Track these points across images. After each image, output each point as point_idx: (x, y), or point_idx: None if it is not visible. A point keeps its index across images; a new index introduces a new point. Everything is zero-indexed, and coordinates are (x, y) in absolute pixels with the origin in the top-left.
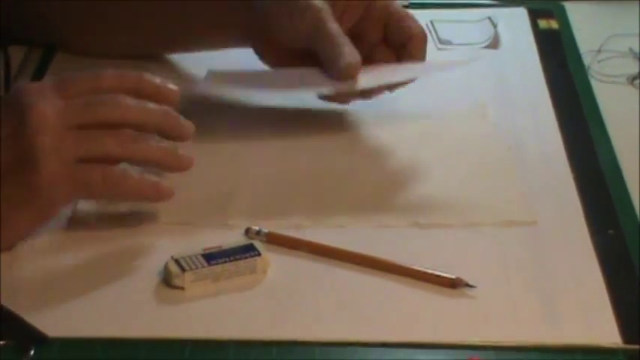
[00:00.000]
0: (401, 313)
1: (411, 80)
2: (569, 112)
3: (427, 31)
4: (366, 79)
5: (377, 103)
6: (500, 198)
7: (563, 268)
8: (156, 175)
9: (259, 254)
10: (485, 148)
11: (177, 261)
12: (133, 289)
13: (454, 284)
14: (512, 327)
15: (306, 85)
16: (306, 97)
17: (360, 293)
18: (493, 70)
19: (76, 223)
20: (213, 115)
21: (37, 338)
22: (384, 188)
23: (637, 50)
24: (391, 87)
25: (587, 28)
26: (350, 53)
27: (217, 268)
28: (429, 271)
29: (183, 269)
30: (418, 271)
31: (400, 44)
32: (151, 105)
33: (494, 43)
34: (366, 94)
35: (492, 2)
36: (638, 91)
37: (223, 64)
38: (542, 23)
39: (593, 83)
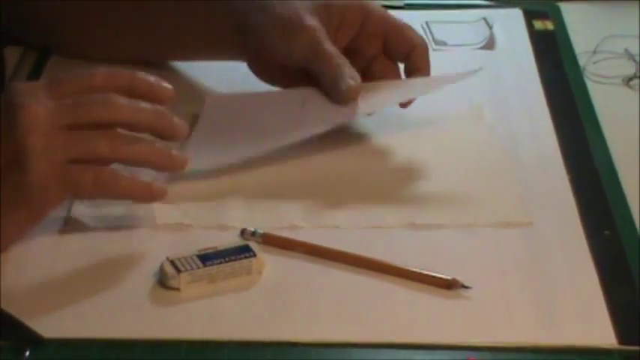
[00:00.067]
0: (396, 314)
1: (411, 101)
2: (565, 114)
3: (422, 32)
4: (367, 103)
5: None
6: (495, 199)
7: (559, 269)
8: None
9: (255, 255)
10: (481, 150)
11: (172, 262)
12: (129, 290)
13: (450, 285)
14: (507, 328)
15: (306, 121)
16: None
17: (356, 294)
18: (488, 72)
19: (71, 223)
20: None
21: (33, 339)
22: (379, 189)
23: (632, 51)
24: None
25: (583, 29)
26: (350, 75)
27: (213, 269)
28: (425, 272)
29: (178, 270)
30: (414, 272)
31: (403, 55)
32: (144, 104)
33: (489, 44)
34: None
35: (488, 3)
36: (633, 92)
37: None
38: (538, 24)
39: (589, 84)
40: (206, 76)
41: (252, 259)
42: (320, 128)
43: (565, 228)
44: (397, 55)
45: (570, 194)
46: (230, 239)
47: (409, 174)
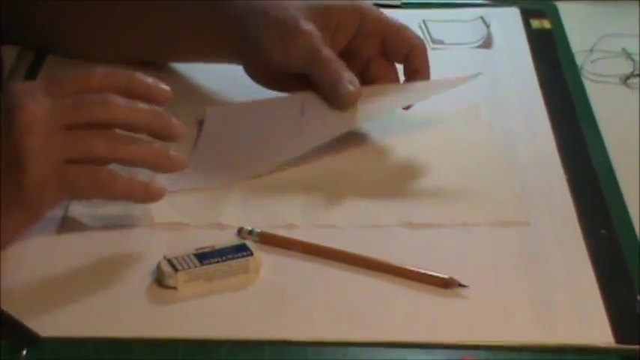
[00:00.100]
0: (394, 313)
1: (410, 106)
2: (562, 113)
3: (420, 31)
4: (367, 111)
5: None
6: (493, 198)
7: (557, 268)
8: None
9: (252, 254)
10: (478, 149)
11: (169, 261)
12: (126, 289)
13: (447, 284)
14: (505, 327)
15: (307, 133)
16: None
17: (353, 293)
18: (486, 70)
19: (68, 223)
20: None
21: (30, 338)
22: (376, 188)
23: (630, 50)
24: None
25: (580, 28)
26: (349, 79)
27: (210, 268)
28: (422, 271)
29: (175, 269)
30: (411, 271)
31: (402, 56)
32: (142, 105)
33: (486, 43)
34: None
35: (485, 2)
36: (631, 91)
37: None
38: (535, 23)
39: (586, 83)
40: (206, 77)
41: (250, 258)
42: (320, 140)
43: (562, 227)
44: (396, 56)
45: (568, 193)
46: (227, 238)
47: (406, 173)
